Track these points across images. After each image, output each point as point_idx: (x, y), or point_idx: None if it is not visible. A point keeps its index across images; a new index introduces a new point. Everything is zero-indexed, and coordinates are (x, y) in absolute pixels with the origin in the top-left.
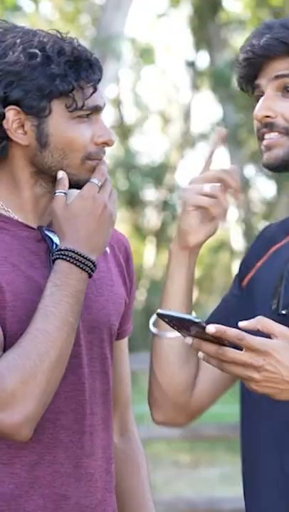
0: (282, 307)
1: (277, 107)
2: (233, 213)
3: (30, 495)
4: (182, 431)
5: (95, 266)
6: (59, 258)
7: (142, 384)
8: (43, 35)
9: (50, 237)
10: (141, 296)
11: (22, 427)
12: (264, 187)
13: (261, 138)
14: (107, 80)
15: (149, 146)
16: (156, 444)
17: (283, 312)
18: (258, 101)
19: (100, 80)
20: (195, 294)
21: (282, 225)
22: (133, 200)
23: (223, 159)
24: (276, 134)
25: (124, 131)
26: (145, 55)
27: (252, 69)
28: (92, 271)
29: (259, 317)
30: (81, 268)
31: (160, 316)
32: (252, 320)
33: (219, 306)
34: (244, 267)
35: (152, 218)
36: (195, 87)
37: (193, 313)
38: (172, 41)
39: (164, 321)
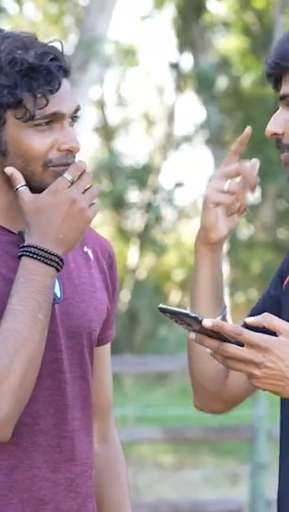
0: None
1: (283, 122)
2: None
3: (8, 499)
4: (165, 433)
5: (62, 260)
6: (23, 255)
7: (126, 386)
8: (8, 42)
9: None
10: (124, 298)
11: (0, 428)
12: None
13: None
14: (90, 82)
15: (133, 148)
16: (140, 446)
17: None
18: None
19: (58, 87)
20: (178, 296)
21: None
22: (117, 202)
23: (206, 161)
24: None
25: (107, 132)
26: (129, 56)
27: (276, 70)
28: (60, 265)
29: (265, 314)
30: (46, 263)
31: (161, 310)
32: (258, 316)
33: (258, 304)
34: (286, 268)
35: (136, 220)
36: (179, 88)
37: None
38: (156, 43)
39: (166, 316)
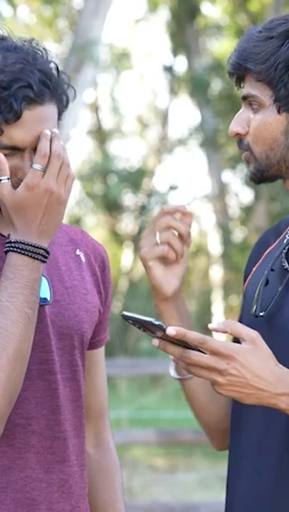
0: (260, 309)
1: (246, 122)
2: (211, 219)
3: (1, 499)
4: (159, 436)
5: (47, 252)
6: (10, 250)
7: (119, 389)
8: None
9: None
10: (118, 301)
11: None
12: (241, 192)
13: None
14: (85, 85)
15: (127, 151)
16: (134, 449)
17: (261, 314)
18: None
19: (16, 118)
20: None
21: (275, 227)
22: (111, 205)
23: (201, 164)
24: (246, 148)
25: (101, 136)
26: (123, 59)
27: (238, 71)
28: (45, 257)
29: (228, 320)
30: (32, 257)
31: (125, 318)
32: (220, 323)
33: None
34: (245, 275)
35: (130, 223)
36: (173, 92)
37: None
38: (150, 46)
39: (129, 323)
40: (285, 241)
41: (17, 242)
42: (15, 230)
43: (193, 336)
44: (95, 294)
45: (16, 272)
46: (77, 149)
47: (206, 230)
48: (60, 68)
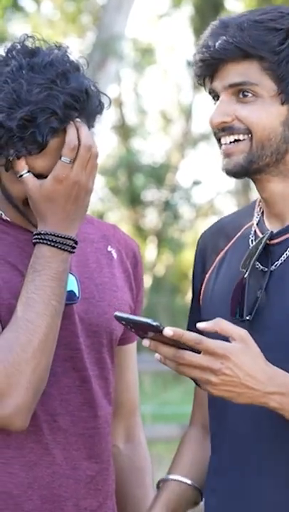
0: (247, 313)
1: (232, 111)
2: None
3: (28, 495)
4: (182, 431)
5: (75, 242)
6: (39, 242)
7: (143, 384)
8: (8, 92)
9: None
10: None
11: (15, 418)
12: None
13: (219, 142)
14: (108, 81)
15: (151, 147)
16: (157, 444)
17: (248, 318)
18: (215, 100)
19: (39, 150)
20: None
21: (218, 231)
22: (134, 200)
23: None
24: (234, 140)
25: (125, 131)
26: (147, 55)
27: (207, 70)
28: (74, 248)
29: (217, 319)
30: (61, 249)
31: (118, 318)
32: (210, 322)
33: (190, 328)
34: (195, 286)
35: (153, 218)
36: (196, 87)
37: None
38: (174, 41)
39: (122, 323)
40: (252, 243)
41: (46, 233)
42: (43, 222)
43: (190, 336)
44: (126, 291)
45: (45, 264)
46: (101, 145)
47: None
48: (91, 81)
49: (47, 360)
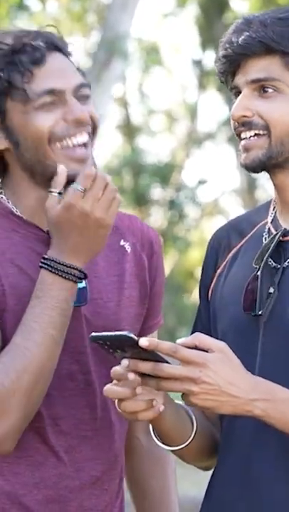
0: (259, 308)
1: (253, 106)
2: (240, 213)
3: (34, 495)
4: None
5: (82, 272)
6: (42, 267)
7: None
8: None
9: None
10: None
11: (3, 442)
12: (270, 187)
13: (239, 137)
14: (113, 80)
15: (156, 146)
16: None
17: (260, 313)
18: (236, 96)
19: (42, 58)
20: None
21: (232, 228)
22: (140, 199)
23: (230, 159)
24: (254, 134)
25: (130, 130)
26: (152, 54)
27: (230, 66)
28: (79, 278)
29: (196, 333)
30: (63, 277)
31: (94, 339)
32: (189, 337)
33: (196, 326)
34: (204, 283)
35: (159, 217)
36: (202, 86)
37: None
38: (179, 41)
39: (98, 344)
40: (265, 240)
41: (49, 259)
42: (51, 246)
43: (166, 345)
44: (136, 287)
45: (46, 291)
46: (106, 144)
47: None
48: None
49: (42, 388)
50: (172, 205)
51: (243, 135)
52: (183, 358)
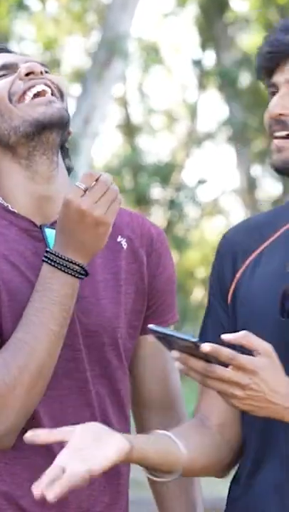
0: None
1: (285, 108)
2: (240, 212)
3: (31, 496)
4: None
5: (83, 269)
6: (44, 261)
7: None
8: None
9: (47, 237)
10: None
11: (2, 438)
12: (270, 186)
13: (272, 135)
14: (113, 79)
15: (156, 145)
16: None
17: None
18: (272, 95)
19: None
20: (201, 294)
21: (250, 231)
22: (140, 199)
23: (229, 158)
24: (287, 134)
25: (130, 130)
26: (152, 54)
27: (272, 62)
28: (81, 274)
29: (245, 332)
30: (64, 271)
31: (152, 331)
32: (237, 334)
33: (207, 327)
34: (221, 284)
35: (159, 217)
36: (202, 86)
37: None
38: (179, 40)
39: (154, 335)
40: None
41: (50, 252)
42: (55, 240)
43: (225, 352)
44: (133, 283)
45: (45, 285)
46: (107, 143)
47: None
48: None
49: (43, 384)
50: (172, 204)
51: (276, 134)
52: (238, 365)
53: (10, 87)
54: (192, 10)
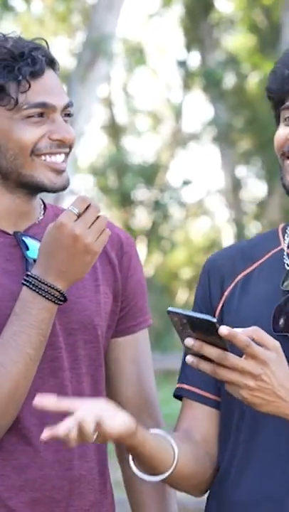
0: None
1: None
2: (225, 213)
3: (19, 497)
4: (171, 431)
5: (63, 295)
6: (24, 284)
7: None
8: None
9: (25, 243)
10: None
11: None
12: (255, 187)
13: (283, 155)
14: (98, 80)
15: (141, 146)
16: None
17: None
18: (281, 117)
19: (41, 71)
20: (186, 295)
21: (239, 254)
22: (124, 200)
23: (214, 159)
24: None
25: (115, 130)
26: (137, 54)
27: (285, 88)
28: (60, 300)
29: (255, 327)
30: (45, 297)
31: (170, 313)
32: (248, 329)
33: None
34: (206, 303)
35: (143, 218)
36: (186, 86)
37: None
38: (164, 41)
39: (171, 319)
40: (287, 264)
41: (32, 276)
42: (36, 264)
43: (242, 338)
44: (109, 285)
45: (25, 308)
46: (91, 144)
47: (219, 225)
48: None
49: (17, 405)
50: (157, 205)
51: None
52: (252, 353)
53: (37, 142)
54: (177, 11)
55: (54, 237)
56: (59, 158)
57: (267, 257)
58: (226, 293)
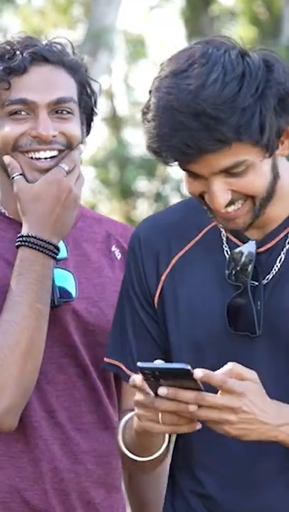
0: (254, 329)
1: (229, 187)
2: None
3: (34, 489)
4: None
5: (57, 249)
6: (22, 245)
7: None
8: None
9: None
10: None
11: (3, 419)
12: None
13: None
14: (99, 72)
15: (142, 138)
16: None
17: (260, 333)
18: (189, 175)
19: (22, 71)
20: None
21: (167, 231)
22: (125, 192)
23: None
24: (237, 208)
25: (116, 122)
26: (137, 46)
27: (183, 158)
28: (56, 254)
29: (231, 364)
30: (45, 253)
31: (140, 368)
32: (224, 369)
33: (127, 329)
34: (143, 287)
35: (145, 210)
36: None
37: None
38: (165, 33)
39: (143, 373)
40: (226, 251)
41: (30, 236)
42: (28, 224)
43: (217, 377)
44: None
45: (29, 267)
46: (92, 136)
47: None
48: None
49: (36, 360)
50: (158, 197)
51: (225, 210)
52: (228, 389)
53: (18, 139)
54: (178, 3)
55: (48, 192)
56: (43, 154)
57: (200, 235)
58: (162, 277)
